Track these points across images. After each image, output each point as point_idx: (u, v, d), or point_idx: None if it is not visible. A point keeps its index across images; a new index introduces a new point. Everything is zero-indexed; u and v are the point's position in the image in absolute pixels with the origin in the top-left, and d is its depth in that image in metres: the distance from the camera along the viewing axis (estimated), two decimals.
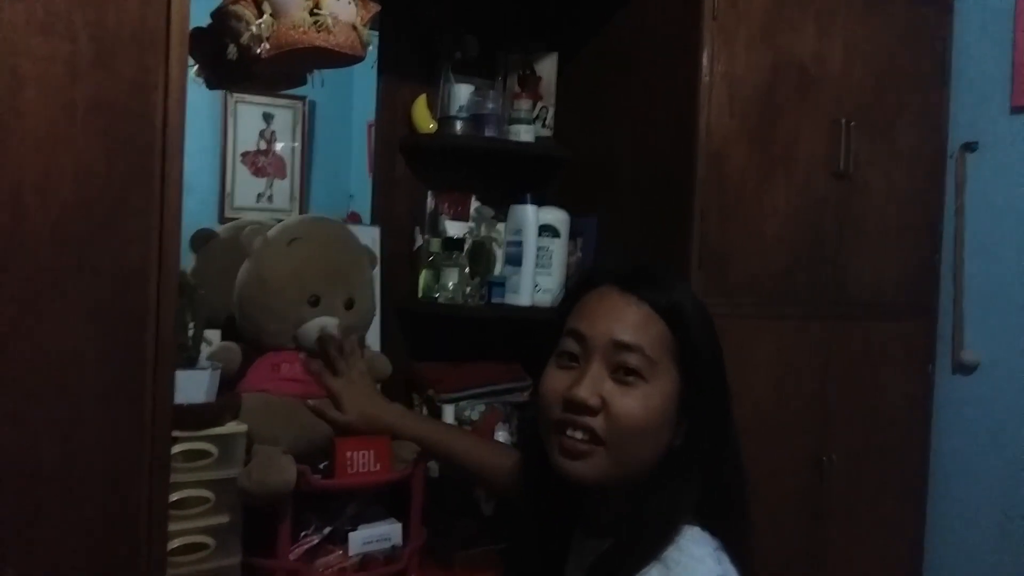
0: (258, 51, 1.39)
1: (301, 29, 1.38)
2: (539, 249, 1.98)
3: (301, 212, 1.98)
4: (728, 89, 1.84)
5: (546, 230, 2.00)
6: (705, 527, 1.08)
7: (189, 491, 1.36)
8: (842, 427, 2.07)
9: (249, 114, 1.93)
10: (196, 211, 1.70)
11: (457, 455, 1.56)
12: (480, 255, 1.99)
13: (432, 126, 2.03)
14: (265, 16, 1.39)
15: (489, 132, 2.02)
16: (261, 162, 1.95)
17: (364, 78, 1.98)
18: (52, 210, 1.05)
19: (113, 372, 1.10)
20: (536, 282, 1.98)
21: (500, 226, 2.04)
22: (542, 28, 2.21)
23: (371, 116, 2.05)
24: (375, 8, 1.51)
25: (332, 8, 1.41)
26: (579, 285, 1.19)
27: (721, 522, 1.09)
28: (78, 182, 1.07)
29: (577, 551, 1.18)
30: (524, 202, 1.98)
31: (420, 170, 2.10)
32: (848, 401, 2.08)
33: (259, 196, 1.95)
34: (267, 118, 1.95)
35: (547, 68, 2.18)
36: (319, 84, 1.63)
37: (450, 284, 1.93)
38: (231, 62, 1.41)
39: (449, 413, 1.92)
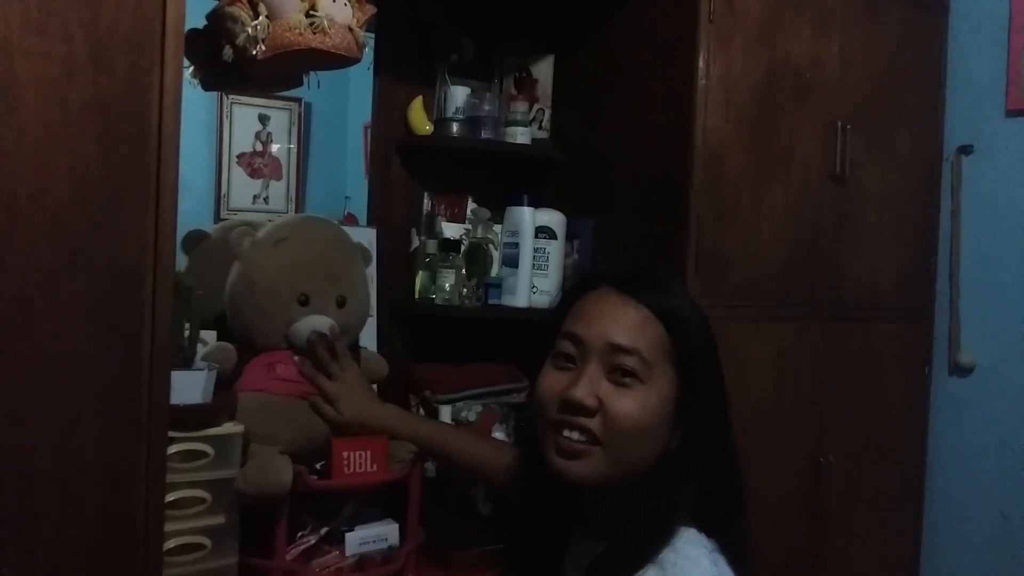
0: (254, 53, 1.38)
1: (297, 31, 1.38)
2: (535, 251, 1.98)
3: (297, 213, 1.98)
4: (724, 92, 1.84)
5: (543, 232, 2.00)
6: (702, 529, 1.08)
7: (186, 491, 1.35)
8: (840, 428, 2.07)
9: (245, 116, 1.93)
10: (192, 212, 1.70)
11: (455, 453, 1.56)
12: (477, 256, 1.99)
13: (428, 128, 2.03)
14: (261, 18, 1.38)
15: (486, 134, 2.03)
16: (257, 163, 1.95)
17: (360, 80, 1.98)
18: (47, 210, 1.05)
19: (109, 372, 1.10)
20: (533, 284, 1.98)
21: (496, 228, 2.04)
22: (538, 30, 2.22)
23: (367, 118, 2.05)
24: (371, 10, 1.51)
25: (328, 10, 1.41)
26: (576, 287, 1.19)
27: (718, 524, 1.09)
28: (73, 182, 1.07)
29: (574, 552, 1.18)
30: (521, 204, 1.98)
31: (416, 172, 2.11)
32: (846, 402, 2.09)
33: (255, 197, 1.95)
34: (263, 119, 1.95)
35: (543, 70, 2.18)
36: (315, 86, 1.63)
37: (447, 285, 1.93)
38: (227, 63, 1.41)
39: (446, 414, 1.92)
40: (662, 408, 1.08)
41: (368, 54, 1.84)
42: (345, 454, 1.49)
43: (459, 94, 2.04)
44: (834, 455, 2.05)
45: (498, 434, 1.88)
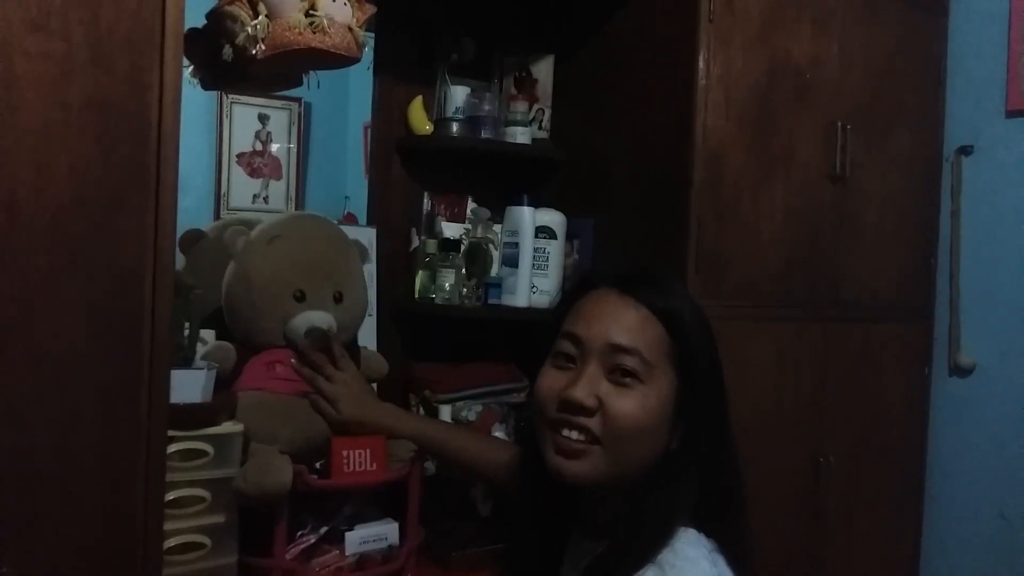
0: (253, 52, 1.38)
1: (297, 30, 1.38)
2: (535, 251, 1.98)
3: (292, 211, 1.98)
4: (724, 92, 1.84)
5: (542, 232, 2.00)
6: (701, 529, 1.08)
7: (185, 490, 1.35)
8: (840, 429, 2.07)
9: (245, 115, 1.93)
10: (192, 211, 1.70)
11: (454, 452, 1.57)
12: (476, 256, 1.99)
13: (428, 128, 2.03)
14: (260, 17, 1.38)
15: (485, 134, 2.03)
16: (257, 163, 1.95)
17: (360, 79, 1.98)
18: (47, 210, 1.05)
19: (109, 372, 1.10)
20: (533, 283, 1.98)
21: (496, 227, 2.04)
22: (539, 30, 2.22)
23: (367, 117, 2.05)
24: (371, 9, 1.51)
25: (328, 9, 1.41)
26: (576, 287, 1.19)
27: (717, 524, 1.09)
28: (73, 182, 1.07)
29: (573, 552, 1.18)
30: (521, 204, 1.98)
31: (416, 171, 2.11)
32: (845, 403, 2.09)
33: (255, 197, 1.95)
34: (263, 119, 1.95)
35: (543, 70, 2.18)
36: (315, 85, 1.63)
37: (447, 285, 1.93)
38: (226, 63, 1.41)
39: (446, 414, 1.92)
40: (662, 408, 1.08)
41: (368, 54, 1.84)
42: (345, 453, 1.49)
43: (459, 94, 2.04)
44: (834, 455, 2.05)
45: (498, 434, 1.88)
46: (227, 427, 1.43)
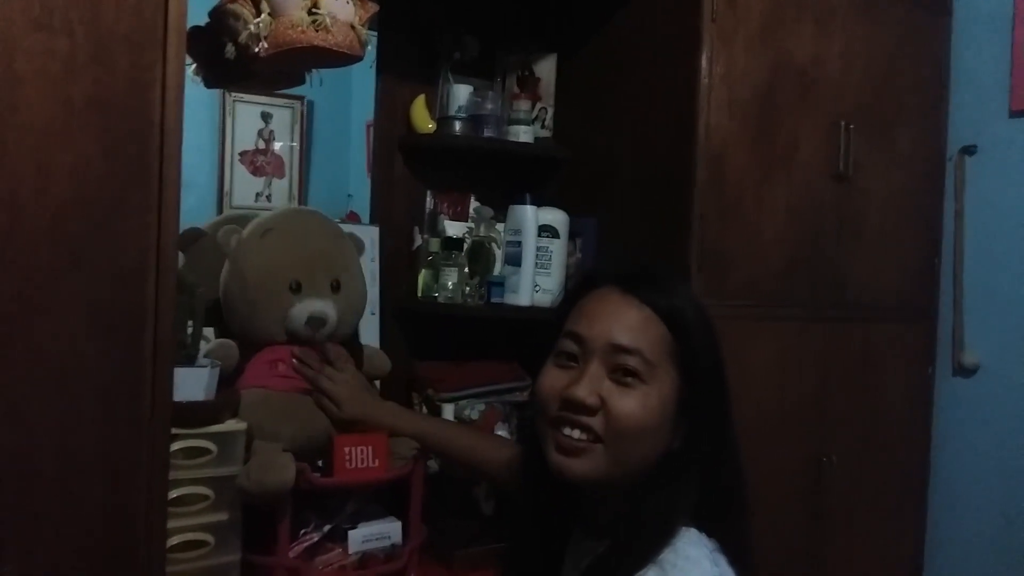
0: (256, 50, 1.39)
1: (299, 28, 1.38)
2: (538, 249, 1.98)
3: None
4: (727, 91, 1.84)
5: (545, 230, 2.00)
6: (703, 529, 1.08)
7: (188, 488, 1.36)
8: (842, 429, 2.07)
9: (247, 113, 1.93)
10: (195, 209, 1.70)
11: (456, 451, 1.57)
12: (479, 255, 1.99)
13: (431, 126, 2.03)
14: (263, 15, 1.39)
15: (488, 132, 2.03)
16: (259, 161, 1.95)
17: (363, 78, 1.98)
18: (49, 208, 1.05)
19: (112, 370, 1.10)
20: (535, 282, 1.98)
21: (499, 226, 2.04)
22: (541, 29, 2.22)
23: (370, 116, 2.05)
24: (373, 8, 1.51)
25: (330, 7, 1.41)
26: (579, 286, 1.19)
27: (719, 524, 1.09)
28: (75, 180, 1.07)
29: (574, 552, 1.18)
30: (523, 202, 1.98)
31: (419, 170, 2.11)
32: (848, 403, 2.08)
33: (258, 195, 1.95)
34: (265, 117, 1.95)
35: (546, 69, 2.18)
36: (318, 83, 1.63)
37: (449, 284, 1.93)
38: (229, 61, 1.41)
39: (449, 412, 1.92)
40: (663, 408, 1.08)
41: (370, 52, 1.83)
42: (346, 449, 1.50)
43: (462, 92, 2.04)
44: (836, 455, 2.05)
45: (501, 432, 1.88)
46: (230, 425, 1.43)
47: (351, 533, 1.54)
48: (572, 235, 2.05)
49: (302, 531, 1.52)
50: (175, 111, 1.13)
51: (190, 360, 1.45)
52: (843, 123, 2.02)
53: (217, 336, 1.57)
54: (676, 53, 1.86)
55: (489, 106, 2.03)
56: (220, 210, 1.89)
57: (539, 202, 2.00)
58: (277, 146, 1.97)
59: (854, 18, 2.05)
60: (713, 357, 1.13)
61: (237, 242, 1.60)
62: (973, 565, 2.27)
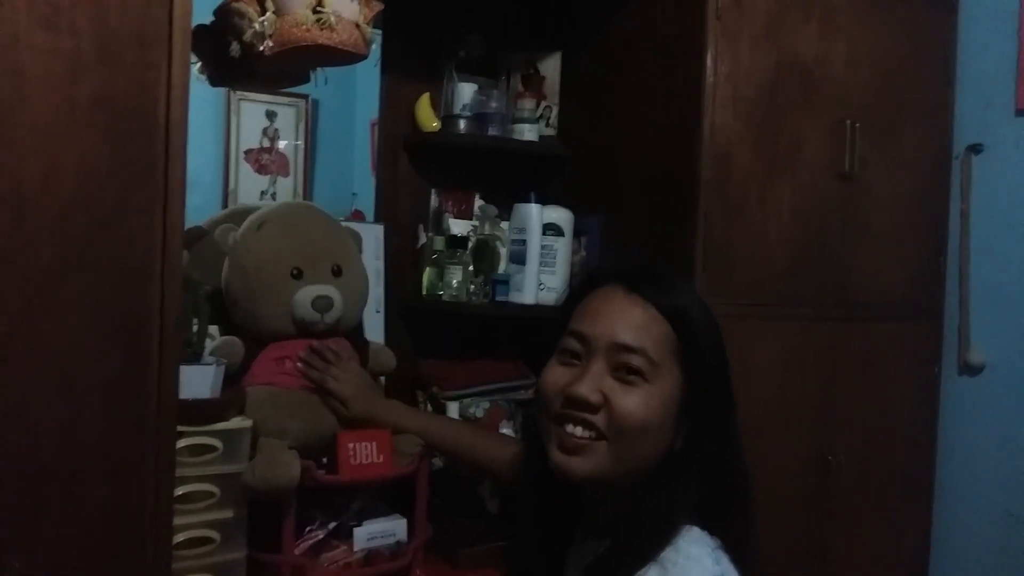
0: (261, 49, 1.39)
1: (304, 27, 1.39)
2: (543, 248, 1.98)
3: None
4: (732, 89, 1.84)
5: (550, 229, 2.00)
6: (706, 528, 1.07)
7: (195, 485, 1.36)
8: (848, 428, 2.07)
9: (252, 112, 1.94)
10: (200, 208, 1.71)
11: (460, 449, 1.57)
12: (484, 253, 1.99)
13: (436, 125, 2.03)
14: (268, 13, 1.39)
15: (493, 131, 2.03)
16: (264, 160, 1.96)
17: (367, 76, 1.98)
18: (54, 207, 1.06)
19: (118, 368, 1.11)
20: (540, 281, 1.98)
21: (504, 225, 2.04)
22: (546, 27, 2.22)
23: (375, 114, 2.05)
24: (378, 6, 1.51)
25: (335, 6, 1.41)
26: (583, 284, 1.19)
27: (722, 523, 1.09)
28: (80, 179, 1.07)
29: (576, 552, 1.18)
30: (528, 201, 1.98)
31: (424, 168, 2.11)
32: (854, 402, 2.08)
33: (262, 193, 1.96)
34: (270, 116, 1.96)
35: (551, 67, 2.18)
36: (322, 82, 1.63)
37: (454, 282, 1.94)
38: (234, 60, 1.42)
39: (454, 410, 1.92)
40: (666, 407, 1.08)
41: (375, 50, 1.84)
42: (351, 445, 1.50)
43: (466, 91, 2.03)
44: (842, 454, 2.04)
45: (506, 430, 1.88)
46: (236, 422, 1.43)
47: (356, 530, 1.55)
48: (577, 233, 2.05)
49: (307, 528, 1.52)
50: (180, 109, 1.13)
51: (196, 358, 1.45)
52: (848, 122, 2.01)
53: (222, 334, 1.57)
54: (681, 52, 1.86)
55: (494, 104, 2.03)
56: (225, 208, 1.89)
57: (544, 200, 2.00)
58: (282, 144, 1.98)
59: (860, 17, 2.04)
60: (717, 357, 1.12)
61: (234, 239, 1.60)
62: (979, 564, 2.27)
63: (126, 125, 1.10)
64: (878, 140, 2.09)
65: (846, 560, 2.09)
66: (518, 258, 1.98)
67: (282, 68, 1.54)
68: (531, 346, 1.97)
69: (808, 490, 2.01)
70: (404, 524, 1.59)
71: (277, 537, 1.45)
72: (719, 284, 1.82)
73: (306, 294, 1.56)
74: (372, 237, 1.93)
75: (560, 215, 2.02)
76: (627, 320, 1.09)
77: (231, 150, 1.92)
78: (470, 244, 1.99)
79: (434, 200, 2.09)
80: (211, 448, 1.39)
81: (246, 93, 1.91)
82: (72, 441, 1.08)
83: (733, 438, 1.13)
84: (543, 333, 1.19)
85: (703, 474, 1.09)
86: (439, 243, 2.00)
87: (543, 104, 2.17)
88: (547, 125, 2.17)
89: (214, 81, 1.61)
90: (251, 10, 1.39)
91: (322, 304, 1.56)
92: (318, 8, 1.40)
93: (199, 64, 1.53)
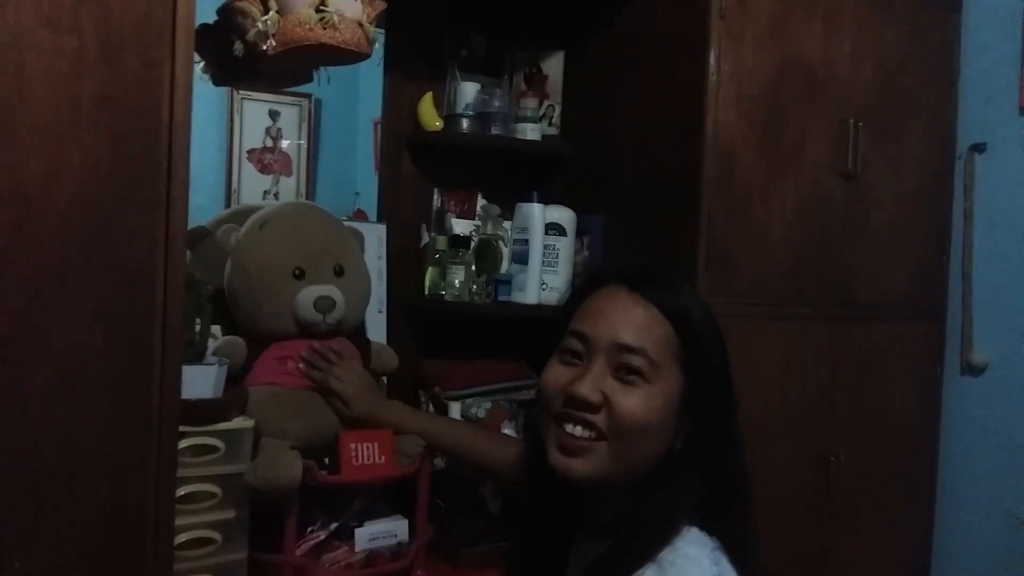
0: (264, 48, 1.39)
1: (307, 26, 1.38)
2: (545, 247, 1.98)
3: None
4: (735, 89, 1.84)
5: (552, 228, 2.00)
6: (706, 528, 1.07)
7: (196, 486, 1.36)
8: (849, 428, 2.06)
9: (255, 111, 1.94)
10: (203, 207, 1.71)
11: (462, 449, 1.57)
12: (486, 253, 1.99)
13: (438, 124, 2.03)
14: (271, 13, 1.39)
15: (495, 130, 2.02)
16: (267, 159, 1.96)
17: (370, 75, 1.98)
18: (57, 206, 1.05)
19: (120, 368, 1.10)
20: (542, 280, 1.98)
21: (506, 224, 2.04)
22: (548, 26, 2.21)
23: (377, 114, 2.05)
24: (381, 5, 1.51)
25: (338, 5, 1.41)
26: (586, 284, 1.19)
27: (722, 524, 1.08)
28: (83, 178, 1.07)
29: (577, 553, 1.18)
30: (530, 200, 1.98)
31: (426, 168, 2.11)
32: (855, 402, 2.08)
33: (265, 193, 1.96)
34: (273, 115, 1.96)
35: (554, 66, 2.18)
36: (325, 81, 1.63)
37: (456, 282, 1.94)
38: (237, 59, 1.41)
39: (456, 410, 1.92)
40: (667, 407, 1.08)
41: (378, 50, 1.84)
42: (352, 446, 1.50)
43: (469, 90, 2.03)
44: (844, 454, 2.04)
45: (507, 431, 1.88)
46: (238, 423, 1.43)
47: (358, 531, 1.54)
48: (579, 233, 2.05)
49: (309, 529, 1.52)
50: (183, 109, 1.13)
51: (198, 358, 1.45)
52: (852, 121, 2.01)
53: (225, 334, 1.57)
54: (684, 51, 1.86)
55: (496, 104, 2.03)
56: (228, 208, 1.89)
57: (546, 200, 2.00)
58: (285, 144, 1.98)
59: (863, 16, 2.04)
60: (718, 358, 1.12)
61: (236, 239, 1.60)
62: (981, 565, 2.26)
63: (129, 125, 1.10)
64: (881, 139, 2.09)
65: (847, 561, 2.08)
66: (520, 258, 1.98)
67: (285, 67, 1.54)
68: (533, 346, 1.96)
69: (809, 490, 2.01)
70: (405, 525, 1.59)
71: (279, 538, 1.45)
72: (722, 283, 1.82)
73: (308, 294, 1.56)
74: (375, 237, 1.93)
75: (563, 215, 2.02)
76: (628, 320, 1.09)
77: (234, 149, 1.92)
78: (472, 244, 1.99)
79: (437, 199, 2.09)
80: (213, 448, 1.38)
81: (249, 92, 1.91)
82: (73, 441, 1.07)
83: (734, 439, 1.13)
84: (545, 333, 1.19)
85: (703, 474, 1.09)
86: (442, 243, 1.99)
87: (546, 103, 2.16)
88: (550, 124, 2.17)
89: (217, 80, 1.60)
90: (254, 9, 1.38)
91: (324, 304, 1.56)
92: (321, 7, 1.40)
93: (202, 63, 1.53)
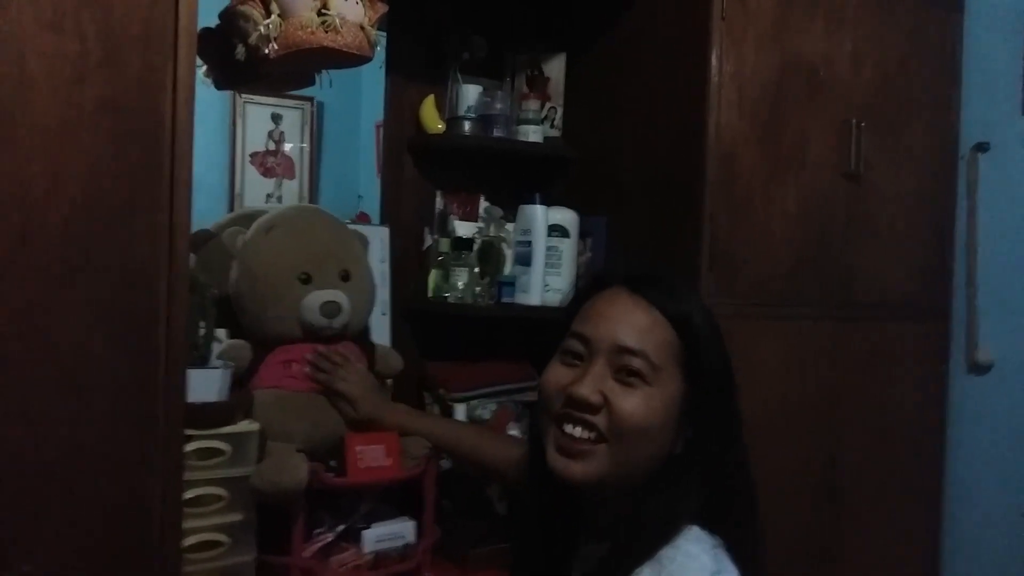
0: (266, 51, 1.39)
1: (309, 29, 1.39)
2: (548, 249, 1.98)
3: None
4: (737, 89, 1.84)
5: (555, 230, 2.00)
6: (707, 527, 1.07)
7: (203, 489, 1.36)
8: (854, 428, 2.06)
9: (258, 114, 1.94)
10: (206, 211, 1.71)
11: (466, 451, 1.57)
12: (489, 255, 1.99)
13: (440, 126, 2.03)
14: (273, 16, 1.39)
15: (497, 132, 2.03)
16: (270, 162, 1.96)
17: (372, 78, 1.99)
18: (60, 209, 1.06)
19: (125, 371, 1.11)
20: (546, 282, 1.98)
21: (509, 226, 2.04)
22: (550, 28, 2.22)
23: (379, 116, 2.05)
24: (383, 8, 1.51)
25: (340, 8, 1.41)
26: (588, 286, 1.19)
27: (723, 526, 1.08)
28: (86, 181, 1.07)
29: (580, 558, 1.18)
30: (533, 202, 1.98)
31: (429, 170, 2.11)
32: (860, 402, 2.07)
33: (268, 196, 1.96)
34: (276, 118, 1.96)
35: (555, 68, 2.18)
36: (327, 84, 1.63)
37: (460, 284, 1.94)
38: (239, 62, 1.42)
39: (461, 412, 1.93)
40: (667, 410, 1.08)
41: (380, 53, 1.84)
42: (358, 448, 1.50)
43: (471, 93, 2.04)
44: (850, 454, 2.04)
45: (513, 432, 1.88)
46: (243, 426, 1.44)
47: (365, 533, 1.55)
48: (582, 234, 2.05)
49: (316, 531, 1.52)
50: (186, 113, 1.13)
51: (203, 361, 1.45)
52: (854, 121, 2.01)
53: (230, 337, 1.57)
54: (685, 52, 1.86)
55: (498, 106, 2.03)
56: (232, 211, 1.90)
57: (549, 202, 2.00)
58: (287, 147, 1.98)
59: (865, 15, 2.04)
60: (720, 363, 1.12)
61: (243, 242, 1.60)
62: (990, 563, 2.26)
63: (131, 128, 1.10)
64: (883, 139, 2.09)
65: (853, 562, 2.08)
66: (523, 259, 1.98)
67: (287, 71, 1.54)
68: (537, 347, 1.95)
69: (815, 491, 2.01)
70: (412, 526, 1.60)
71: (286, 540, 1.45)
72: (724, 284, 1.82)
73: (314, 299, 1.56)
74: (378, 239, 1.93)
75: (565, 216, 2.01)
76: (630, 323, 1.09)
77: (237, 153, 1.92)
78: (475, 246, 1.99)
79: (439, 202, 2.10)
80: (219, 452, 1.39)
81: (251, 96, 1.91)
82: (79, 444, 1.08)
83: (735, 443, 1.12)
84: (549, 334, 1.19)
85: (704, 478, 1.09)
86: (444, 245, 2.00)
87: (547, 105, 2.17)
88: (552, 126, 2.17)
89: (219, 84, 1.61)
90: (256, 13, 1.39)
91: (330, 309, 1.57)
92: (323, 11, 1.40)
93: (204, 67, 1.53)
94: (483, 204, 2.10)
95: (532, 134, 2.05)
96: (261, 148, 1.95)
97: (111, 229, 1.09)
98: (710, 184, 1.80)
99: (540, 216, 1.97)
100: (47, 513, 1.06)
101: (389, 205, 2.06)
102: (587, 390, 1.07)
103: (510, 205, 2.06)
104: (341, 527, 1.55)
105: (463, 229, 2.02)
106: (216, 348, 1.51)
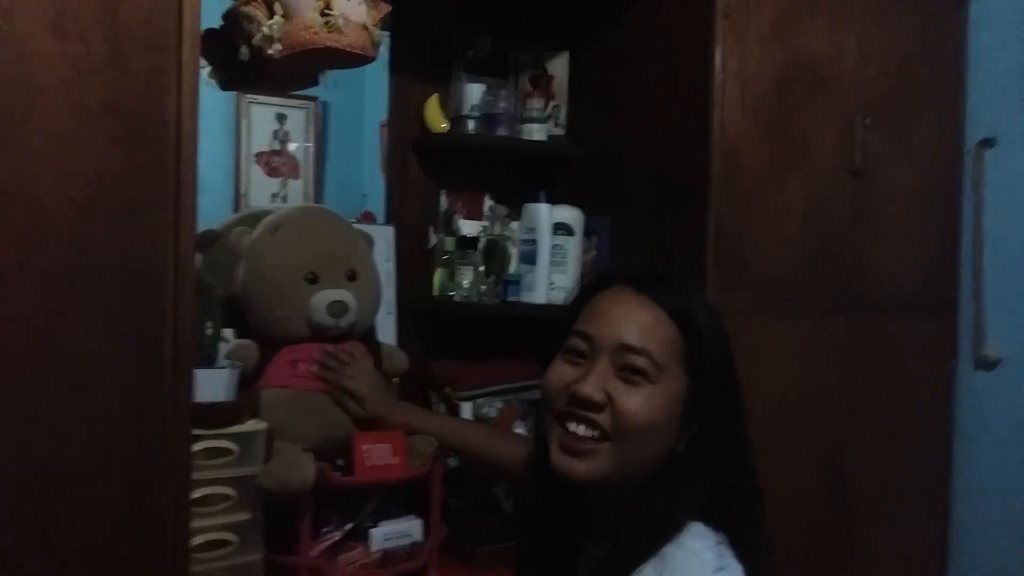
0: (270, 52, 1.39)
1: (312, 30, 1.39)
2: (553, 247, 1.98)
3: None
4: (741, 87, 1.83)
5: (560, 228, 2.00)
6: (711, 524, 1.07)
7: (211, 489, 1.37)
8: (862, 424, 2.06)
9: (262, 115, 1.95)
10: (211, 211, 1.71)
11: (473, 449, 1.58)
12: (494, 254, 1.99)
13: (444, 125, 2.04)
14: (276, 17, 1.39)
15: (502, 131, 2.02)
16: (275, 162, 1.96)
17: (376, 78, 1.99)
18: (66, 212, 1.06)
19: (133, 372, 1.11)
20: (551, 280, 1.98)
21: (514, 225, 2.04)
22: (553, 27, 2.22)
23: (383, 116, 2.06)
24: (386, 8, 1.51)
25: (343, 9, 1.42)
26: (592, 284, 1.19)
27: (727, 524, 1.08)
28: (93, 183, 1.07)
29: (585, 557, 1.18)
30: (538, 200, 1.98)
31: (433, 169, 2.11)
32: (867, 398, 2.07)
33: (273, 196, 1.96)
34: (280, 119, 1.97)
35: (559, 67, 2.18)
36: (331, 84, 1.64)
37: (465, 283, 1.94)
38: (243, 63, 1.42)
39: (467, 411, 1.93)
40: (670, 408, 1.08)
41: (383, 52, 1.84)
42: (365, 447, 1.51)
43: (475, 91, 2.04)
44: (858, 450, 2.04)
45: (519, 430, 1.88)
46: (251, 425, 1.44)
47: (372, 532, 1.55)
48: (587, 233, 2.05)
49: (324, 530, 1.53)
50: (190, 114, 1.14)
51: (210, 361, 1.46)
52: (859, 117, 2.01)
53: (237, 337, 1.58)
54: (689, 49, 1.86)
55: (502, 105, 2.03)
56: (237, 211, 1.90)
57: (553, 200, 2.00)
58: (292, 147, 1.99)
59: (869, 11, 2.03)
60: (724, 362, 1.12)
61: (249, 242, 1.61)
62: (998, 559, 2.25)
63: (136, 129, 1.10)
64: (889, 135, 2.08)
65: (865, 556, 2.08)
66: (528, 258, 1.98)
67: (291, 71, 1.55)
68: (543, 346, 1.96)
69: (822, 487, 2.00)
70: (419, 524, 1.60)
71: (294, 539, 1.46)
72: (729, 282, 1.82)
73: (322, 299, 1.57)
74: (383, 239, 1.93)
75: (570, 214, 2.01)
76: (633, 321, 1.10)
77: (242, 153, 1.93)
78: (480, 244, 1.99)
79: (444, 201, 2.10)
80: (226, 451, 1.39)
81: (256, 96, 1.92)
82: (86, 445, 1.08)
83: (739, 442, 1.13)
84: (554, 333, 1.19)
85: (707, 476, 1.09)
86: (449, 244, 2.00)
87: (551, 104, 2.16)
88: (556, 125, 2.17)
89: (224, 85, 1.61)
90: (259, 14, 1.39)
91: (337, 309, 1.57)
92: (326, 11, 1.41)
93: (208, 68, 1.54)
94: (488, 203, 2.11)
95: (536, 132, 2.05)
96: (266, 148, 1.96)
97: (116, 230, 1.09)
98: (714, 181, 1.80)
99: (545, 214, 1.97)
100: (55, 514, 1.06)
101: (394, 204, 2.07)
102: (591, 388, 1.07)
103: (515, 203, 2.06)
104: (348, 526, 1.55)
105: (468, 228, 2.02)
106: (223, 348, 1.51)
